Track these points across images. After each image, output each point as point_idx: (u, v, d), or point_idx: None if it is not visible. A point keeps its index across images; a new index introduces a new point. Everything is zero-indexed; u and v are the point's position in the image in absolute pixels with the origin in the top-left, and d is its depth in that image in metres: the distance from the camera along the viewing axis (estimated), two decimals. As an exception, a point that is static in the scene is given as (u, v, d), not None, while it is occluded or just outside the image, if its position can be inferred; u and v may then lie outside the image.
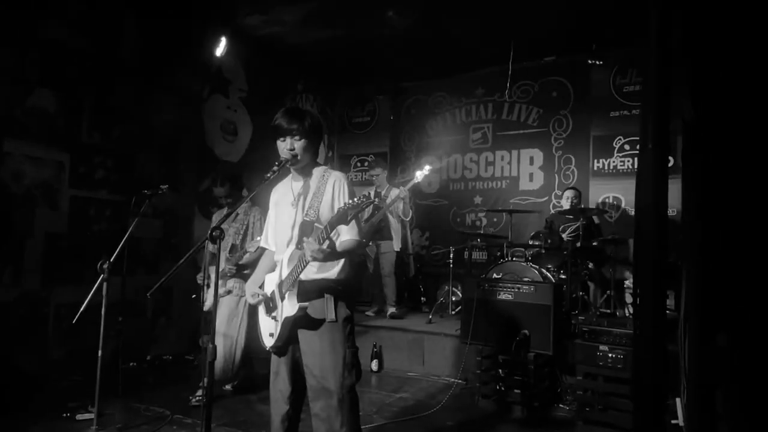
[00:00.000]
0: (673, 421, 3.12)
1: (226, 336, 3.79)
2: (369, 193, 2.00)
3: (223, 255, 3.79)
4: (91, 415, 3.23)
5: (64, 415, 3.39)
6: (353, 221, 2.13)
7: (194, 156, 5.70)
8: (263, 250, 2.55)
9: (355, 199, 1.95)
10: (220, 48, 5.63)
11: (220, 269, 3.75)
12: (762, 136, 2.95)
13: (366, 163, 7.64)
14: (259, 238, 3.47)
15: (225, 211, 3.97)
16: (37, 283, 4.23)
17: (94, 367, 3.15)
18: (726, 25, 2.96)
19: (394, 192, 5.69)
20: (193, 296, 4.69)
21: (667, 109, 2.90)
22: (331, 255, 2.08)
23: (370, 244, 5.74)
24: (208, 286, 3.81)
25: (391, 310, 5.66)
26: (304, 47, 6.38)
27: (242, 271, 3.81)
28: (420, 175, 5.53)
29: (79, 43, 4.54)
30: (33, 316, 4.20)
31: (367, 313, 5.80)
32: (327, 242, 2.00)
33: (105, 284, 3.21)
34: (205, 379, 2.06)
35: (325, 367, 2.18)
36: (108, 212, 4.74)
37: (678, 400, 3.13)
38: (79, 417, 3.35)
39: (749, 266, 2.92)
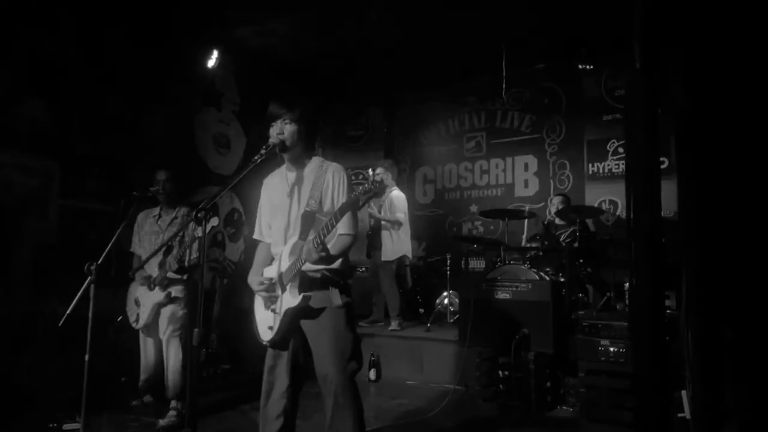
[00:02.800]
0: (679, 415, 3.02)
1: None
2: (372, 178, 1.99)
3: (155, 260, 3.60)
4: (78, 425, 3.11)
5: (51, 425, 3.29)
6: (350, 214, 2.12)
7: (186, 168, 5.66)
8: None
9: (366, 185, 1.93)
10: (212, 60, 5.65)
11: (154, 276, 3.60)
12: (757, 126, 2.94)
13: (361, 176, 7.58)
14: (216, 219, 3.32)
15: (158, 210, 3.83)
16: (27, 295, 4.14)
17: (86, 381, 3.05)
18: (720, 12, 2.96)
19: (396, 193, 5.49)
20: (119, 318, 3.90)
21: (654, 103, 2.89)
22: (324, 260, 2.07)
23: (369, 257, 5.65)
24: (138, 304, 3.68)
25: (394, 324, 5.34)
26: (296, 60, 6.40)
27: (182, 275, 3.60)
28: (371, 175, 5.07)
29: (70, 53, 4.53)
30: (23, 329, 4.09)
31: (361, 323, 5.67)
32: (321, 246, 2.01)
33: (92, 286, 3.12)
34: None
35: (328, 353, 2.16)
36: (99, 223, 4.66)
37: (684, 393, 3.04)
38: (66, 427, 3.26)
39: (749, 262, 2.88)
